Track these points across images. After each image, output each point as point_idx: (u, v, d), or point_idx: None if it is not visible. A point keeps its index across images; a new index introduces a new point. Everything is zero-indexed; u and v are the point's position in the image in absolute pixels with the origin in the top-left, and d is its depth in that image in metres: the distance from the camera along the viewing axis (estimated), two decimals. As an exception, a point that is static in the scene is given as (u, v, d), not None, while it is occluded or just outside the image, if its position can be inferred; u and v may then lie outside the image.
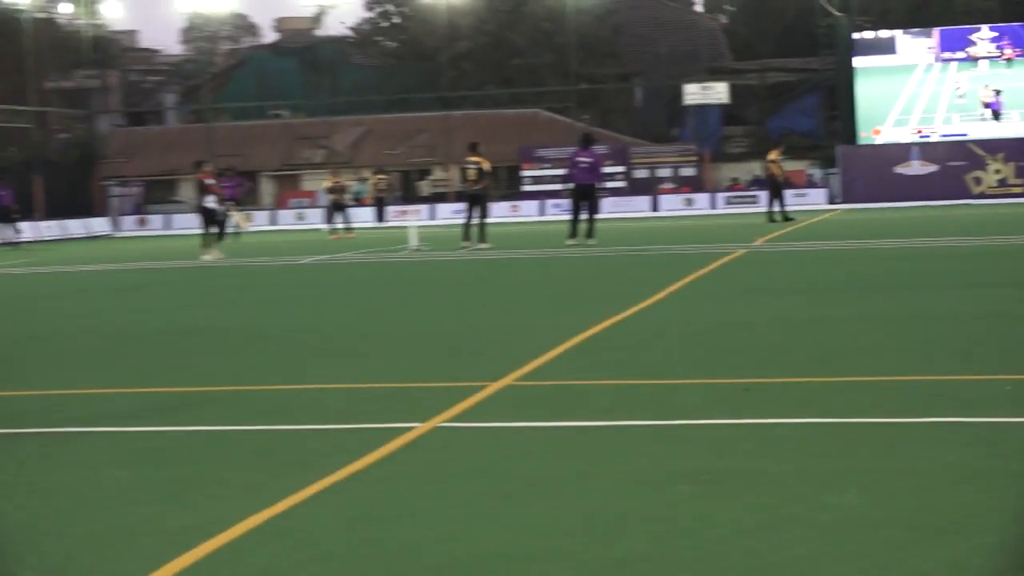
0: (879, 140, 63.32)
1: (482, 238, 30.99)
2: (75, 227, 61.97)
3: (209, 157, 68.06)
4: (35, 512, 6.63)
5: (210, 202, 32.99)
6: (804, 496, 6.34)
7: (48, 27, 74.75)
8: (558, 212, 58.82)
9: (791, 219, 40.43)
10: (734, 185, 67.56)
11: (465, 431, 8.35)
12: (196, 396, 10.32)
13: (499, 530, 5.95)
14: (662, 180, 66.81)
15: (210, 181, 33.21)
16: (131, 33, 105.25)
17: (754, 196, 61.27)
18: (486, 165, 31.35)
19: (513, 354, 11.66)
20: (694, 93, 66.99)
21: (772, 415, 8.42)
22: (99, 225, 64.70)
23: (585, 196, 31.20)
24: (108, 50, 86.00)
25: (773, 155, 41.33)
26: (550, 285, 20.66)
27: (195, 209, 37.61)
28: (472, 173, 31.08)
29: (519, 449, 7.73)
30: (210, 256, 31.38)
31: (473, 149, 31.68)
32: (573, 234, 30.99)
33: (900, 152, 62.02)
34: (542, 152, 67.10)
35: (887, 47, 63.56)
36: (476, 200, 31.25)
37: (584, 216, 31.16)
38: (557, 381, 10.20)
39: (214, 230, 34.15)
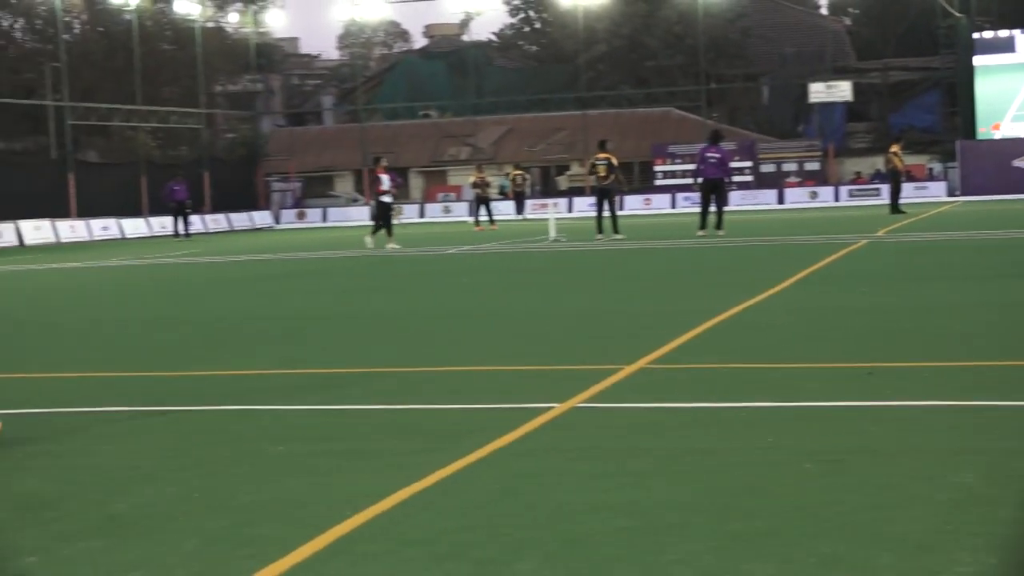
0: (998, 135, 62.06)
1: (615, 229, 31.02)
2: (239, 220, 62.89)
3: (363, 155, 68.87)
4: (204, 483, 6.71)
5: (386, 196, 32.70)
6: (923, 475, 6.21)
7: (217, 35, 76.03)
8: (688, 205, 58.51)
9: (902, 212, 39.72)
10: (857, 179, 66.67)
11: (600, 411, 8.31)
12: (351, 376, 10.39)
13: (631, 504, 5.90)
14: (788, 174, 66.16)
15: (385, 176, 32.82)
16: (292, 40, 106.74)
17: (876, 189, 60.41)
18: (614, 160, 31.37)
19: (646, 339, 11.59)
20: (819, 91, 66.19)
21: (894, 397, 8.26)
22: (261, 218, 65.60)
23: (714, 190, 30.98)
24: (271, 56, 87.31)
25: (894, 148, 40.68)
26: (681, 274, 20.53)
27: (371, 201, 37.45)
28: (601, 169, 31.17)
29: (651, 428, 7.67)
30: (392, 246, 31.36)
31: (602, 146, 31.81)
32: (703, 225, 30.83)
33: (1018, 146, 60.73)
34: (673, 148, 66.82)
35: (1006, 46, 62.27)
36: (605, 194, 31.35)
37: (713, 209, 30.98)
38: (688, 364, 10.11)
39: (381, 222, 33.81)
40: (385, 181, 32.57)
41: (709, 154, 31.15)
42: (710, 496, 6.00)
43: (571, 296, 17.19)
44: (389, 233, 32.43)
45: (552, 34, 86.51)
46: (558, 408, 8.31)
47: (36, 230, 49.71)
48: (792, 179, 65.54)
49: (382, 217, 32.93)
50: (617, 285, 18.93)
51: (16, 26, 73.87)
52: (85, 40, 72.42)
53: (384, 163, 33.45)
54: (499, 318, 14.66)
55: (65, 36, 63.79)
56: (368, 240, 32.34)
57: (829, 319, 12.92)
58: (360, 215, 63.39)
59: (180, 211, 48.47)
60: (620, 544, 5.29)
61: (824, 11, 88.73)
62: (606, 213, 31.24)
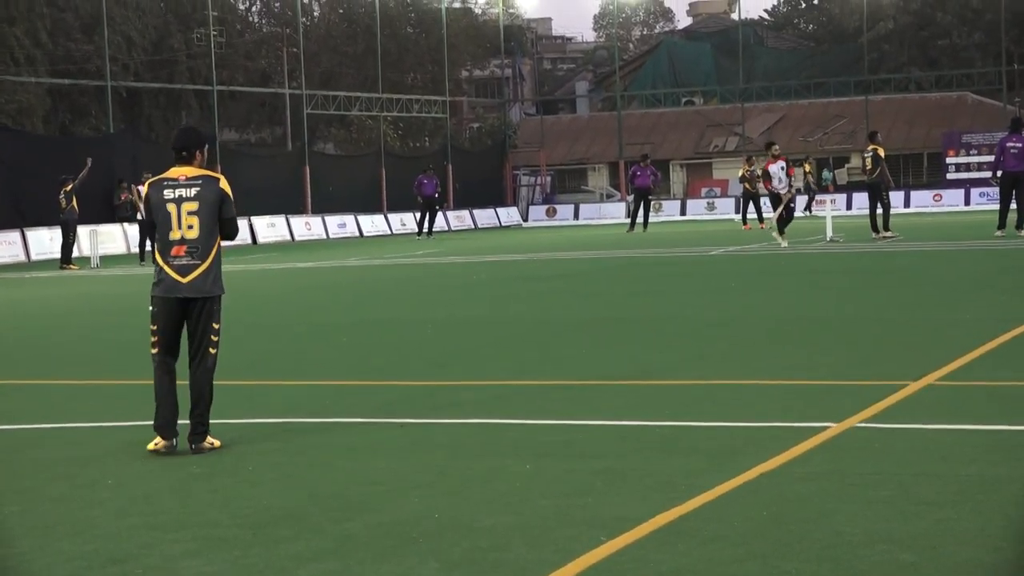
0: None
1: (885, 226, 30.58)
2: (483, 217, 63.58)
3: (619, 146, 69.02)
4: (445, 503, 6.81)
5: (781, 186, 32.08)
6: None
7: (464, 17, 77.05)
8: (985, 201, 56.93)
9: None
10: None
11: (882, 432, 8.16)
12: (599, 389, 10.42)
13: (916, 537, 5.78)
14: (1103, 167, 63.79)
15: (775, 167, 31.95)
16: (544, 21, 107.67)
17: None
18: (881, 152, 30.88)
19: (933, 351, 11.34)
20: None
21: None
22: (507, 215, 66.21)
23: (1016, 184, 30.09)
24: (521, 39, 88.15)
25: None
26: (975, 279, 20.01)
27: (628, 197, 36.77)
28: (868, 161, 30.77)
29: (939, 453, 7.50)
30: (784, 243, 30.92)
31: (871, 138, 31.43)
32: (1002, 225, 29.99)
33: None
34: (968, 138, 65.09)
35: None
36: (873, 189, 30.89)
37: (1014, 206, 30.13)
38: (982, 381, 9.86)
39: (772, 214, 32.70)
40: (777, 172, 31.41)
41: (1010, 144, 30.27)
42: (1008, 530, 5.84)
43: (845, 302, 16.91)
44: (780, 228, 31.28)
45: (831, 10, 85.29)
46: (835, 428, 8.20)
47: (270, 227, 51.12)
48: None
49: (778, 208, 31.59)
50: (899, 291, 18.54)
51: (253, 9, 76.26)
52: (325, 24, 74.30)
53: (775, 150, 32.64)
54: (763, 327, 14.51)
55: (304, 20, 65.52)
56: (781, 242, 31.39)
57: None
58: (616, 212, 63.54)
59: (427, 207, 49.21)
60: (905, 581, 5.20)
61: None
62: (879, 210, 30.79)
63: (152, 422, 8.45)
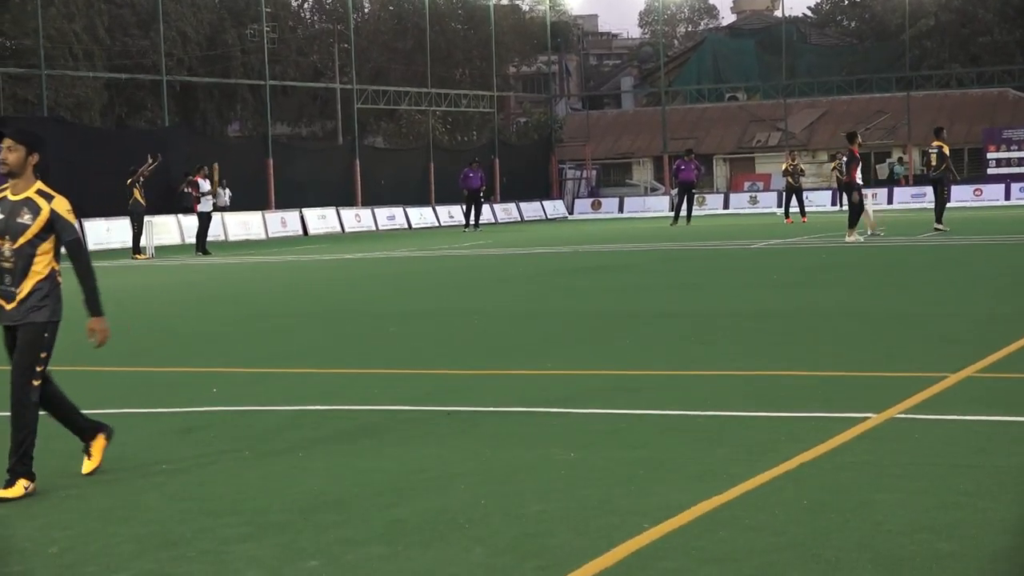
0: None
1: (938, 219, 30.86)
2: (530, 210, 63.57)
3: (661, 140, 68.88)
4: (491, 490, 6.81)
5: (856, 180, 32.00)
6: None
7: (511, 14, 77.05)
8: (1025, 196, 56.62)
9: None
10: None
11: (922, 423, 8.12)
12: (642, 379, 10.42)
13: (955, 526, 5.75)
14: None
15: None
16: (591, 18, 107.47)
17: None
18: (946, 149, 31.11)
19: (974, 344, 11.27)
20: None
21: None
22: (553, 208, 66.20)
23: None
24: (567, 35, 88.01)
25: None
26: (1012, 273, 19.88)
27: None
28: (934, 158, 30.99)
29: (979, 444, 7.46)
30: (851, 238, 30.71)
31: (937, 134, 31.55)
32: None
33: None
34: (1009, 133, 64.66)
35: None
36: (937, 184, 31.11)
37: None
38: (1020, 375, 9.80)
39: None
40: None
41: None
42: (1045, 522, 5.80)
43: (887, 295, 16.83)
44: (854, 223, 31.10)
45: (874, 7, 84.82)
46: (875, 418, 8.17)
47: (321, 219, 51.29)
48: None
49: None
50: (940, 284, 18.44)
51: (305, 6, 76.45)
52: (375, 20, 74.43)
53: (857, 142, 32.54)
54: (806, 318, 14.46)
55: (355, 16, 65.64)
56: (848, 237, 31.19)
57: None
58: (660, 205, 63.43)
59: (473, 199, 49.25)
60: (942, 570, 5.17)
61: None
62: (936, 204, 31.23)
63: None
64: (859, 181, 29.74)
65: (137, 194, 34.13)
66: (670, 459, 7.35)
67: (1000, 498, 6.23)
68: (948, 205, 31.38)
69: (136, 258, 34.07)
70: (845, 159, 31.06)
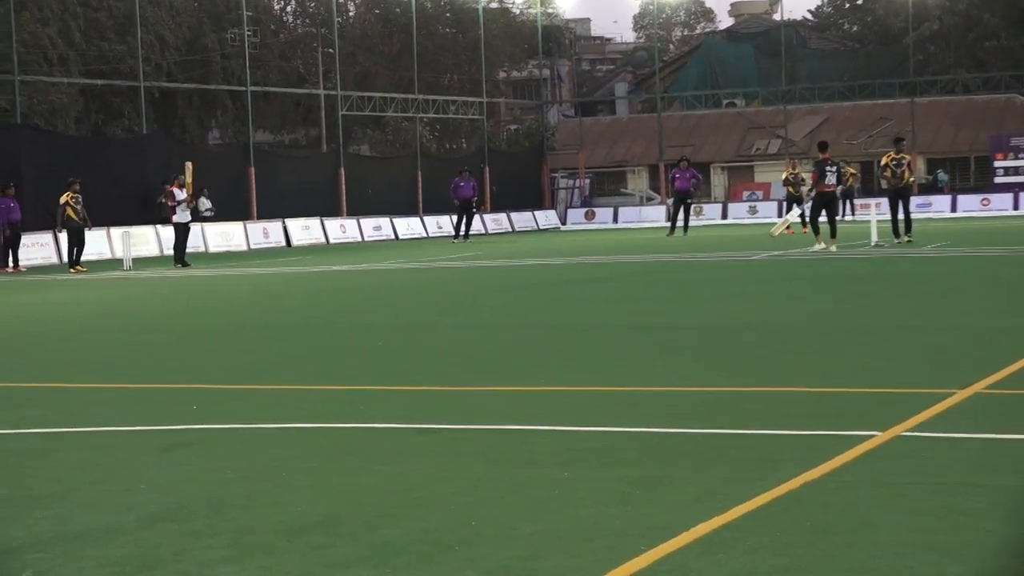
0: None
1: (907, 230, 32.31)
2: (521, 220, 63.58)
3: (657, 148, 68.94)
4: (481, 511, 6.81)
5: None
6: None
7: (501, 17, 77.14)
8: (1033, 206, 56.73)
9: None
10: None
11: (929, 441, 8.12)
12: (637, 395, 10.41)
13: (963, 547, 5.75)
14: None
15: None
16: (583, 22, 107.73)
17: None
18: (907, 158, 33.00)
19: (983, 359, 11.28)
20: None
21: None
22: (545, 218, 66.21)
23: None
24: (559, 39, 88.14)
25: None
26: (1021, 285, 19.92)
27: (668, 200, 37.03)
28: (906, 171, 32.97)
29: (988, 463, 7.46)
30: (820, 246, 30.88)
31: (897, 144, 33.31)
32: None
33: None
34: (1017, 140, 64.80)
35: None
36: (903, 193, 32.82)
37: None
38: (1031, 390, 9.81)
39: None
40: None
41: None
42: (1056, 543, 5.81)
43: (892, 307, 16.85)
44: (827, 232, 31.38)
45: (876, 11, 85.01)
46: (880, 437, 8.17)
47: (305, 229, 51.28)
48: None
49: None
50: (945, 297, 18.47)
51: (288, 9, 76.47)
52: (360, 24, 74.46)
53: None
54: (806, 331, 14.47)
55: (339, 20, 65.68)
56: (821, 245, 31.43)
57: None
58: (656, 215, 63.48)
59: (464, 209, 49.24)
60: (950, 595, 5.17)
61: None
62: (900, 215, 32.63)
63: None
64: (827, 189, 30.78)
65: (70, 211, 35.02)
66: (667, 478, 7.34)
67: (1010, 520, 6.23)
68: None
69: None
70: (835, 168, 31.76)
